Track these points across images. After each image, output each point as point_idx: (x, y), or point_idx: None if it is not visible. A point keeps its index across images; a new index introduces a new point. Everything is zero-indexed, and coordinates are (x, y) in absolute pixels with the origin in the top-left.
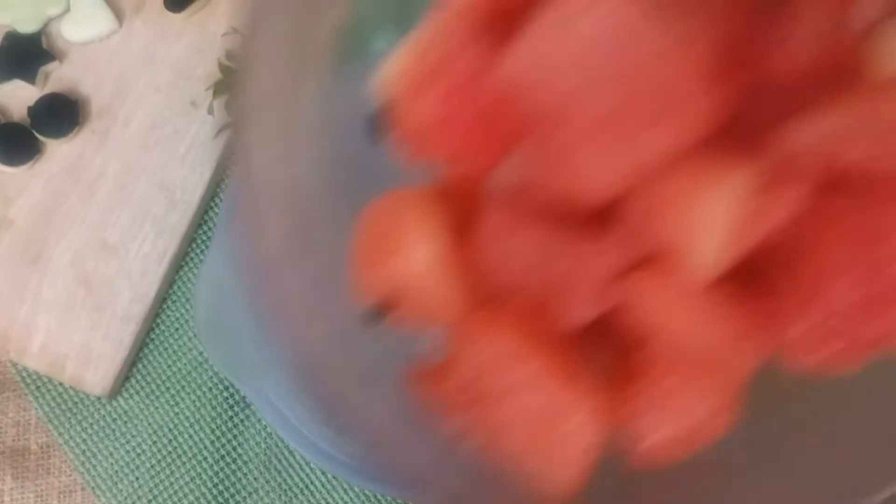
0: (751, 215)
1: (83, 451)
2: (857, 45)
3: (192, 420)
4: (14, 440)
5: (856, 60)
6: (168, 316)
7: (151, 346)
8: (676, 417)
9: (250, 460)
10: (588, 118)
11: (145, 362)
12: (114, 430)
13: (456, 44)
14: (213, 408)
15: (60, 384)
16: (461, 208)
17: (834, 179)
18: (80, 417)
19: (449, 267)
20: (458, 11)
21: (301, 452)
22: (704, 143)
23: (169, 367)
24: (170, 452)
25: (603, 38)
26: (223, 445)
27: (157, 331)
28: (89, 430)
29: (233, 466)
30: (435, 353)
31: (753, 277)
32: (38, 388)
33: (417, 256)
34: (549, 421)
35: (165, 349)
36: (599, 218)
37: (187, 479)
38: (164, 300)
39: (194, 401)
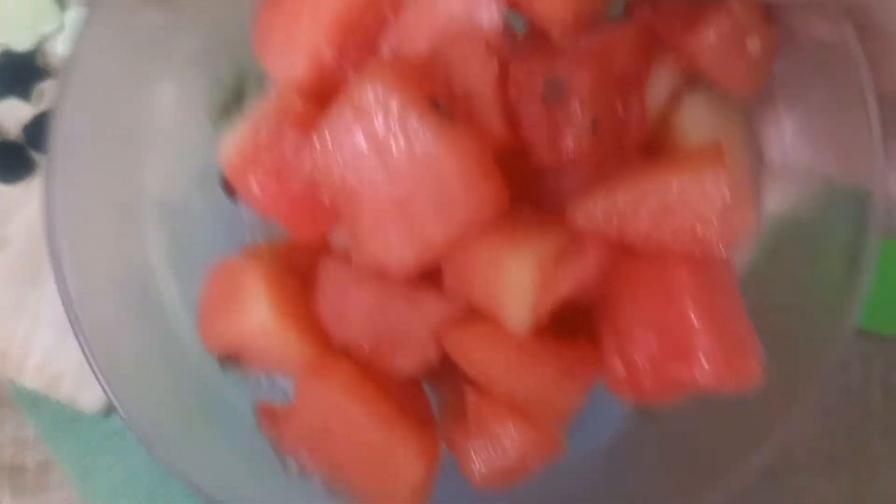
0: (553, 277)
1: (80, 468)
2: (656, 122)
3: None
4: (12, 458)
5: (657, 137)
6: None
7: None
8: (505, 451)
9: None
10: (379, 207)
11: None
12: (110, 447)
13: (277, 126)
14: None
15: (57, 402)
16: (303, 267)
17: (629, 246)
18: (76, 435)
19: (283, 324)
20: (286, 94)
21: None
22: (499, 220)
23: None
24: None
25: (387, 136)
26: None
27: None
28: (86, 448)
29: None
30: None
31: (571, 327)
32: (35, 405)
33: (252, 315)
34: (380, 460)
35: None
36: (426, 277)
37: (184, 495)
38: None
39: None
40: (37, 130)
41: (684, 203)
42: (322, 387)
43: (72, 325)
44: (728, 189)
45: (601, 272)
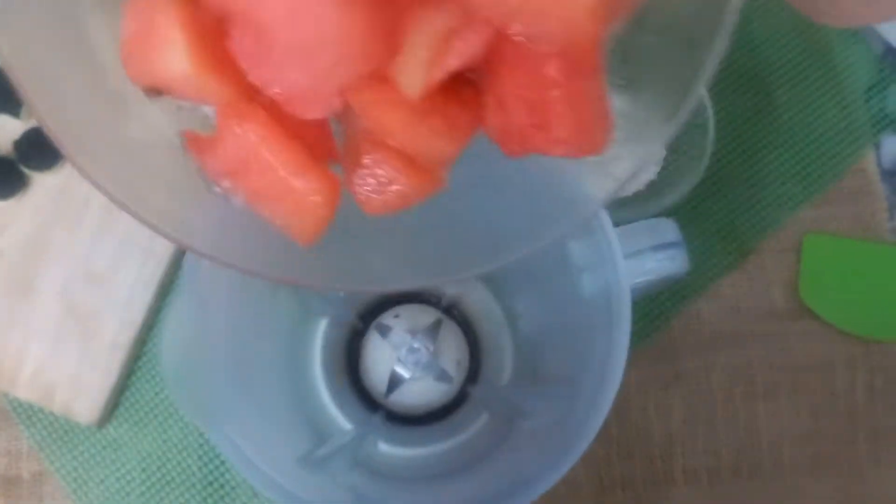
0: (444, 53)
1: (74, 479)
2: None
3: (180, 447)
4: (6, 469)
5: None
6: (155, 343)
7: (140, 374)
8: (394, 183)
9: (238, 486)
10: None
11: (133, 390)
12: (104, 458)
13: None
14: (201, 434)
15: (51, 413)
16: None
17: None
18: (70, 446)
19: (202, 70)
20: None
21: (266, 494)
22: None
23: (157, 394)
24: (159, 479)
25: None
26: (211, 472)
27: (145, 358)
28: (80, 458)
29: (221, 492)
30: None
31: (458, 88)
32: (28, 417)
33: (171, 62)
34: (289, 193)
35: (153, 376)
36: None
37: None
38: (151, 327)
39: (182, 428)
40: (27, 146)
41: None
42: (239, 129)
43: None
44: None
45: (487, 50)
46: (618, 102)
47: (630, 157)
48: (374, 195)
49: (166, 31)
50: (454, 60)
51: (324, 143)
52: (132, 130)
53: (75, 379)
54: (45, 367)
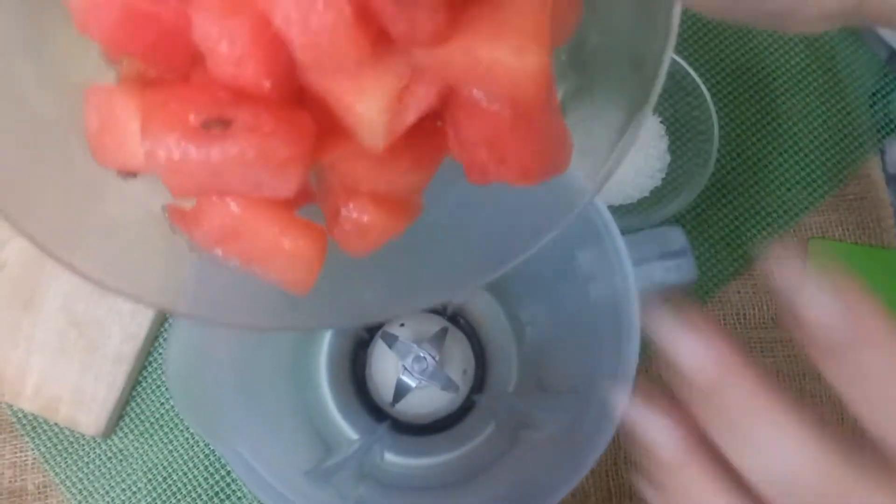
0: (400, 109)
1: (80, 491)
2: None
3: (185, 458)
4: (11, 481)
5: None
6: (159, 354)
7: (144, 385)
8: (372, 224)
9: (244, 496)
10: None
11: (138, 401)
12: (109, 469)
13: None
14: (206, 445)
15: (56, 424)
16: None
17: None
18: (75, 457)
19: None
20: None
21: None
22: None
23: (162, 405)
24: (164, 490)
25: None
26: (217, 482)
27: (149, 370)
28: (85, 470)
29: (227, 503)
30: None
31: (425, 124)
32: (33, 428)
33: (138, 154)
34: (279, 248)
35: (158, 387)
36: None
37: None
38: (154, 339)
39: (187, 438)
40: None
41: (501, 70)
42: (219, 201)
43: None
44: (542, 66)
45: (442, 98)
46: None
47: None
48: (355, 238)
49: (127, 124)
50: (412, 115)
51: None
52: (109, 210)
53: (79, 391)
54: (49, 380)
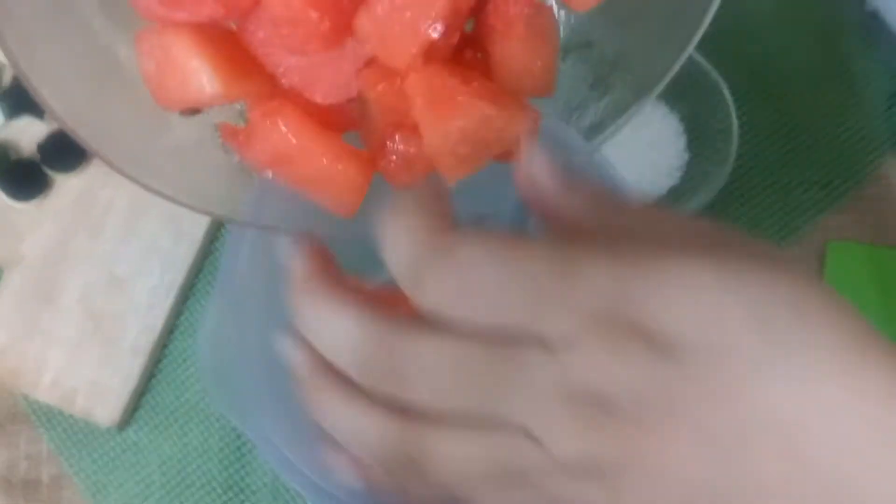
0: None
1: (94, 483)
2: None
3: (200, 451)
4: (26, 472)
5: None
6: (175, 347)
7: (159, 377)
8: (416, 157)
9: (259, 490)
10: None
11: (154, 393)
12: (123, 462)
13: None
14: (221, 438)
15: (71, 416)
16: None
17: None
18: (90, 449)
19: (231, 86)
20: None
21: (302, 493)
22: None
23: (177, 398)
24: (178, 483)
25: None
26: (231, 475)
27: (165, 362)
28: (99, 462)
29: (241, 497)
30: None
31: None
32: (48, 419)
33: (202, 87)
34: (331, 173)
35: (173, 380)
36: (337, 37)
37: None
38: (171, 332)
39: (202, 431)
40: (51, 148)
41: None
42: (273, 126)
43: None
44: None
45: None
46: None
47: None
48: (402, 171)
49: (186, 62)
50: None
51: (342, 116)
52: (174, 134)
53: (96, 383)
54: (66, 371)
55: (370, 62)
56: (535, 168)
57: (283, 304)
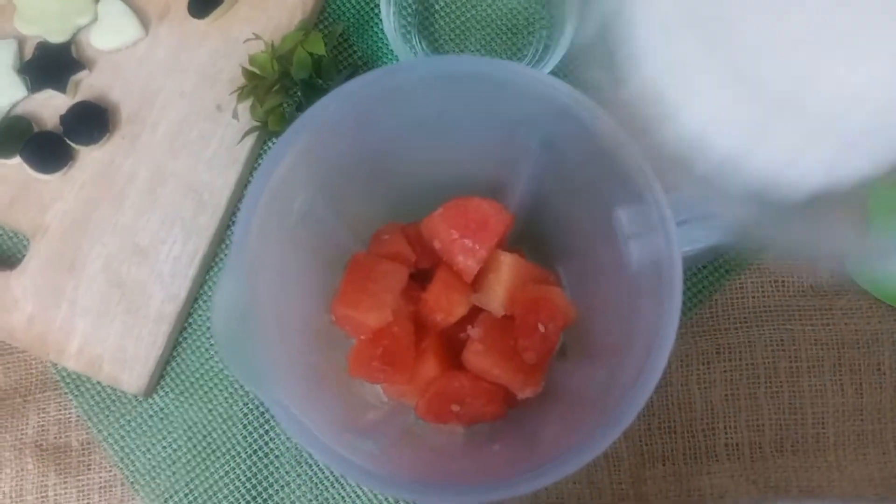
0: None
1: (121, 448)
2: None
3: (224, 416)
4: (56, 437)
5: None
6: (199, 315)
7: (184, 345)
8: None
9: (282, 454)
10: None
11: (178, 361)
12: (150, 427)
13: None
14: (245, 404)
15: (98, 383)
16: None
17: None
18: (117, 415)
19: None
20: None
21: (319, 459)
22: None
23: (202, 364)
24: (204, 448)
25: None
26: (255, 440)
27: (189, 330)
28: (127, 428)
29: (265, 461)
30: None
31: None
32: (76, 386)
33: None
34: None
35: (198, 347)
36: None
37: (221, 473)
38: (195, 300)
39: (227, 398)
40: (74, 121)
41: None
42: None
43: None
44: None
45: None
46: None
47: None
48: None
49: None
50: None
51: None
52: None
53: (121, 351)
54: (92, 340)
55: None
56: None
57: (294, 272)
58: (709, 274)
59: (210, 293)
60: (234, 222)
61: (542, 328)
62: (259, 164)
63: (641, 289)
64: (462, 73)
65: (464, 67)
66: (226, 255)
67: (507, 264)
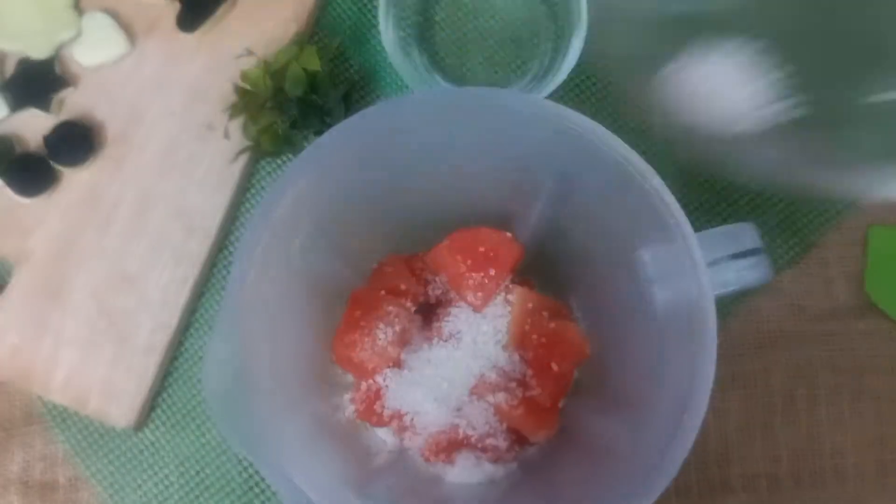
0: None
1: (111, 484)
2: None
3: (218, 451)
4: (42, 473)
5: None
6: (191, 344)
7: (175, 376)
8: None
9: (279, 491)
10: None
11: (170, 392)
12: (141, 462)
13: None
14: None
15: (86, 417)
16: None
17: None
18: (106, 450)
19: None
20: None
21: None
22: None
23: (194, 396)
24: (198, 484)
25: None
26: (251, 476)
27: (181, 360)
28: (116, 463)
29: (262, 497)
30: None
31: None
32: (63, 420)
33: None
34: None
35: (189, 378)
36: None
37: None
38: (186, 328)
39: (225, 439)
40: (58, 141)
41: None
42: None
43: None
44: None
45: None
46: None
47: None
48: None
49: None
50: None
51: None
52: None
53: (109, 383)
54: (79, 371)
55: None
56: None
57: (293, 313)
58: (723, 297)
59: (202, 321)
60: (226, 246)
61: (555, 367)
62: (251, 193)
63: (668, 337)
64: (470, 105)
65: (472, 100)
66: (218, 280)
67: (517, 299)
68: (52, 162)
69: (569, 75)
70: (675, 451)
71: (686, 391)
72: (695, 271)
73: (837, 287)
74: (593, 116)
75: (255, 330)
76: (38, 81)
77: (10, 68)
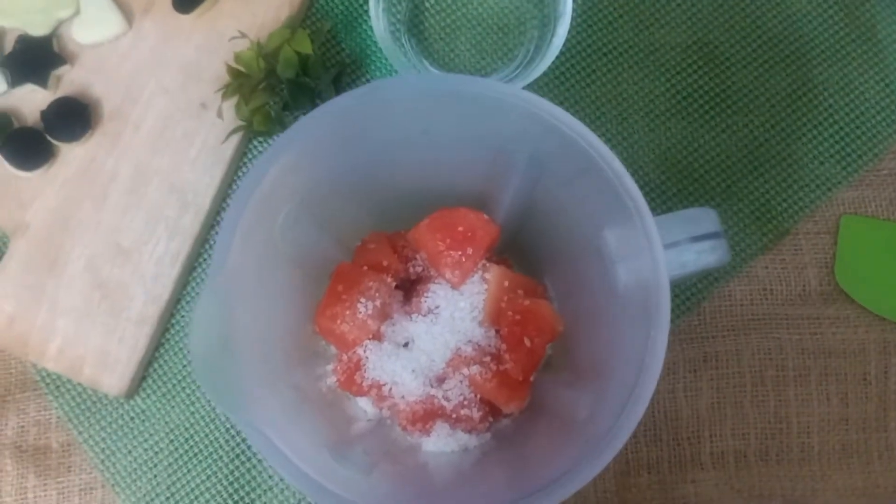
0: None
1: (102, 450)
2: None
3: (207, 419)
4: (36, 438)
5: None
6: (182, 317)
7: (167, 347)
8: None
9: (264, 458)
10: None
11: (161, 362)
12: (132, 429)
13: None
14: None
15: (79, 384)
16: None
17: None
18: (98, 417)
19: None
20: None
21: (296, 487)
22: None
23: (184, 367)
24: (186, 451)
25: None
26: (238, 444)
27: (172, 331)
28: (108, 430)
29: (248, 465)
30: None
31: None
32: (57, 387)
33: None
34: None
35: (180, 349)
36: None
37: (203, 476)
38: (178, 301)
39: (209, 400)
40: (55, 116)
41: None
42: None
43: None
44: None
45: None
46: None
47: None
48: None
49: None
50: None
51: None
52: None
53: (103, 352)
54: (73, 341)
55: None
56: None
57: (278, 284)
58: (697, 281)
59: (194, 294)
60: (218, 222)
61: (528, 342)
62: (243, 171)
63: (628, 312)
64: (449, 91)
65: (451, 86)
66: (209, 255)
67: (493, 277)
68: (48, 137)
69: (553, 62)
70: (629, 416)
71: (641, 363)
72: (651, 251)
73: (809, 273)
74: (577, 102)
75: (241, 293)
76: (36, 58)
77: (9, 45)
